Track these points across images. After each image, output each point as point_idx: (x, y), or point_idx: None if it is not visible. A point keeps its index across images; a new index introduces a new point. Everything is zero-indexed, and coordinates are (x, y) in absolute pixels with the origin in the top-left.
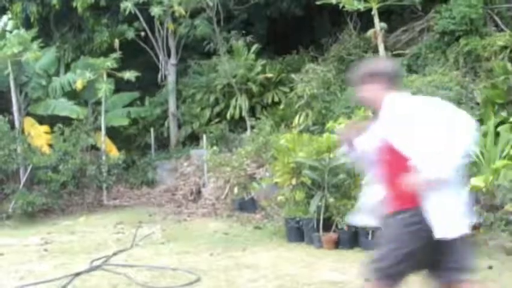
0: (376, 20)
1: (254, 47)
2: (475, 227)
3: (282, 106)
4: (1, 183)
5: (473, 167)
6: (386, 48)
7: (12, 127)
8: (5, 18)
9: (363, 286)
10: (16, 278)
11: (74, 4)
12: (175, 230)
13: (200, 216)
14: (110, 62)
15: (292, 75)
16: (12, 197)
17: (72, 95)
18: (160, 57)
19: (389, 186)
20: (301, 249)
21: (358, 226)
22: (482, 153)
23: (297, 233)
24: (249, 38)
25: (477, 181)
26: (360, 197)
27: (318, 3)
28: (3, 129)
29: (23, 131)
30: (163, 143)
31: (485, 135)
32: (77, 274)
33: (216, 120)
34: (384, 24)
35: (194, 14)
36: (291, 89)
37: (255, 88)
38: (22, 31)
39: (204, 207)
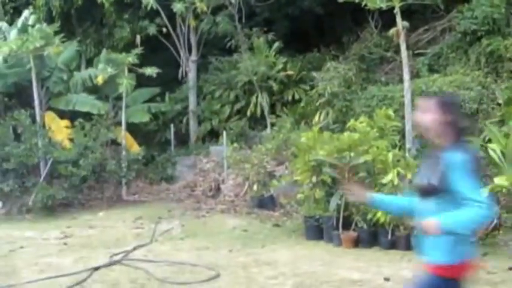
0: (399, 18)
1: (275, 45)
2: (495, 228)
3: (302, 104)
4: (22, 176)
5: (494, 168)
6: (407, 48)
7: (34, 121)
8: (27, 12)
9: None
10: (36, 271)
11: None
12: (195, 226)
13: (219, 213)
14: (131, 58)
15: (313, 73)
16: (32, 190)
17: (93, 89)
18: (181, 54)
19: None
20: (320, 247)
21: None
22: (503, 154)
23: (316, 231)
24: (270, 36)
25: (500, 180)
26: None
27: (339, 1)
28: (25, 124)
29: (44, 126)
30: (182, 139)
31: (506, 135)
32: (96, 268)
33: (236, 117)
34: (406, 23)
35: (216, 10)
36: (312, 87)
37: (275, 86)
38: (44, 25)
39: (223, 204)
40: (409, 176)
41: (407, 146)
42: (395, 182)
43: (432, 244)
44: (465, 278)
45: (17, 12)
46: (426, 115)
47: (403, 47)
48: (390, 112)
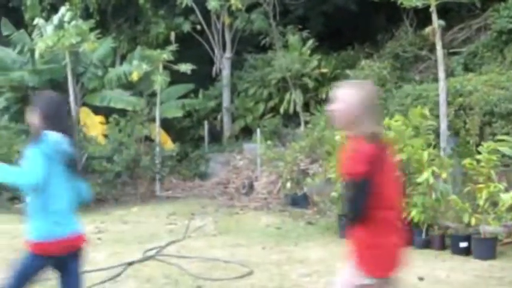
0: (435, 17)
1: (310, 43)
2: None
3: None
4: None
5: None
6: (442, 46)
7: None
8: (63, 9)
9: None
10: None
11: None
12: (228, 223)
13: (252, 210)
14: (166, 54)
15: (347, 71)
16: None
17: (127, 86)
18: (216, 51)
19: None
20: None
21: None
22: None
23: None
24: (304, 33)
25: None
26: None
27: None
28: None
29: (78, 121)
30: (216, 136)
31: None
32: (130, 263)
33: (270, 114)
34: (442, 22)
35: (250, 7)
36: None
37: (309, 83)
38: (80, 22)
39: (256, 201)
40: (443, 175)
41: (442, 145)
42: (431, 181)
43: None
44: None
45: (54, 8)
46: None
47: (438, 46)
48: (425, 111)
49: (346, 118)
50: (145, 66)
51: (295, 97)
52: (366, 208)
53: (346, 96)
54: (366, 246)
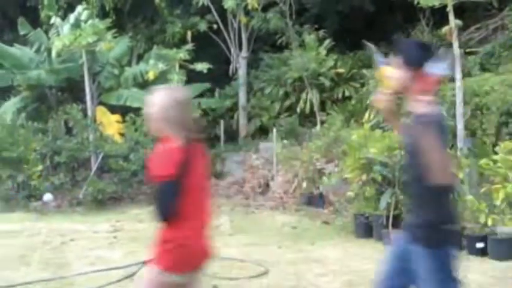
0: (451, 16)
1: (326, 42)
2: None
3: (353, 101)
4: (73, 170)
5: None
6: (459, 46)
7: (85, 116)
8: (80, 8)
9: None
10: (86, 264)
11: None
12: (244, 222)
13: (268, 209)
14: (182, 54)
15: (364, 71)
16: (83, 184)
17: (143, 85)
18: (232, 50)
19: None
20: (370, 246)
21: None
22: None
23: (366, 229)
24: (321, 33)
25: None
26: None
27: None
28: (76, 118)
29: (95, 120)
30: (232, 135)
31: None
32: (146, 262)
33: (286, 114)
34: (459, 22)
35: (267, 7)
36: (362, 85)
37: (326, 83)
38: (97, 21)
39: (272, 200)
40: (460, 175)
41: (459, 145)
42: None
43: None
44: None
45: (71, 7)
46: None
47: (455, 46)
48: (442, 111)
49: (157, 121)
50: (161, 66)
51: (312, 97)
52: (171, 209)
53: (158, 100)
54: (165, 243)
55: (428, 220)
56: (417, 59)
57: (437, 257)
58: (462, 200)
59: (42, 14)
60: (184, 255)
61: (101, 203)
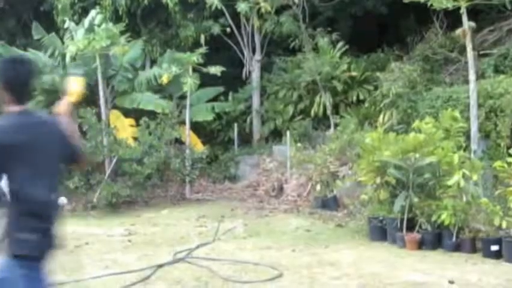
0: (465, 18)
1: (339, 45)
2: None
3: (366, 104)
4: (87, 174)
5: None
6: (473, 48)
7: (99, 119)
8: (93, 12)
9: None
10: (101, 267)
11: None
12: (257, 225)
13: (282, 212)
14: (196, 57)
15: (377, 74)
16: (97, 187)
17: (157, 88)
18: (245, 53)
19: None
20: (384, 249)
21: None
22: None
23: (380, 232)
24: (334, 36)
25: None
26: None
27: (404, 1)
28: (91, 122)
29: (109, 124)
30: (246, 139)
31: None
32: (160, 266)
33: (300, 117)
34: (472, 23)
35: (280, 10)
36: (376, 88)
37: (339, 86)
38: (110, 25)
39: (286, 204)
40: (474, 177)
41: (473, 147)
42: (461, 183)
43: None
44: None
45: (85, 12)
46: None
47: (469, 48)
48: (456, 113)
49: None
50: (175, 69)
51: (325, 100)
52: None
53: None
54: None
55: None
56: None
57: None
58: (476, 203)
59: (58, 20)
60: None
61: (115, 206)
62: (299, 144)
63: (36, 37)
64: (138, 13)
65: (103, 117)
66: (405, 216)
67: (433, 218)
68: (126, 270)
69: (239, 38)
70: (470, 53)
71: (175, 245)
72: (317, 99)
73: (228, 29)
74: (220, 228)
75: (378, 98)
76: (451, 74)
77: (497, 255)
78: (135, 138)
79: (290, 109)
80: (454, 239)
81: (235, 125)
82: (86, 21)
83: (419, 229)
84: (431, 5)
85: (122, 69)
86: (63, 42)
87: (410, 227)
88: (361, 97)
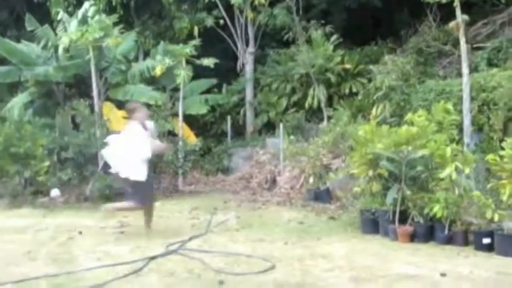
0: (458, 11)
1: (333, 38)
2: None
3: (359, 97)
4: (80, 166)
5: None
6: (466, 41)
7: (92, 111)
8: (87, 4)
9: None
10: (93, 259)
11: None
12: (250, 218)
13: (275, 205)
14: (189, 49)
15: (371, 66)
16: (90, 179)
17: (150, 80)
18: (239, 46)
19: None
20: (376, 241)
21: None
22: None
23: (372, 224)
24: (328, 28)
25: None
26: None
27: None
28: (84, 113)
29: (102, 116)
30: (239, 131)
31: None
32: (153, 258)
33: (293, 109)
34: (466, 17)
35: (273, 2)
36: (369, 80)
37: (333, 78)
38: (103, 17)
39: (278, 196)
40: (467, 170)
41: (465, 140)
42: (454, 176)
43: None
44: None
45: (80, 3)
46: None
47: (462, 41)
48: (449, 106)
49: None
50: (168, 61)
51: (319, 92)
52: None
53: None
54: None
55: None
56: None
57: None
58: (469, 196)
59: (52, 11)
60: None
61: (108, 198)
62: (292, 137)
63: (29, 29)
64: (132, 5)
65: (96, 109)
66: (397, 209)
67: (426, 211)
68: (119, 262)
69: (233, 30)
70: (463, 46)
71: (168, 237)
72: (310, 91)
73: (222, 21)
74: (213, 221)
75: (371, 91)
76: (444, 67)
77: (489, 248)
78: None
79: (283, 101)
80: (446, 231)
81: (229, 117)
82: (79, 13)
83: (411, 222)
84: None
85: (115, 61)
86: (56, 34)
87: (403, 220)
88: (355, 90)
